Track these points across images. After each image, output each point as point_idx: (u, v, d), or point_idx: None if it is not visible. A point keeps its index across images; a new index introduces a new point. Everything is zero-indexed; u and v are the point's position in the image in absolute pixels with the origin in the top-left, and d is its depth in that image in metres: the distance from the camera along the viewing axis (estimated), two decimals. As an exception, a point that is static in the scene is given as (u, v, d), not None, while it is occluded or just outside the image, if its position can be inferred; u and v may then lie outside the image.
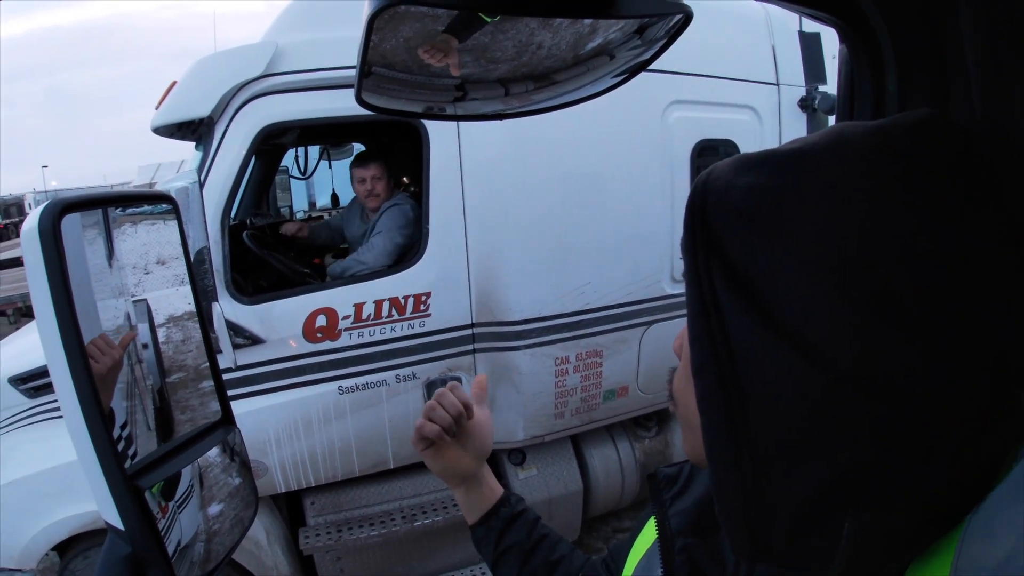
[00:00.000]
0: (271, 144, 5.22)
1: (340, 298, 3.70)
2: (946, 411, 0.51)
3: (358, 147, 6.60)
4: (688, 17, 0.77)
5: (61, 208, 0.81)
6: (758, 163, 0.59)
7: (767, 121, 4.66)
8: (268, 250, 4.31)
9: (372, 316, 3.72)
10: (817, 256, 0.53)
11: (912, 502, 0.53)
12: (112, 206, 0.97)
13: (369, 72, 0.78)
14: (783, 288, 0.54)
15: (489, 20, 0.73)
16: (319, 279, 4.09)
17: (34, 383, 3.64)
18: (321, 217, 6.84)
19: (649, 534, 0.92)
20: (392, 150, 4.57)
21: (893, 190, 0.53)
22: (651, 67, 0.90)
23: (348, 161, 6.69)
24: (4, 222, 34.60)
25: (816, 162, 0.57)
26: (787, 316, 0.54)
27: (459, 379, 3.92)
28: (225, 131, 3.54)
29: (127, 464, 0.85)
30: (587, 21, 0.78)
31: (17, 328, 7.61)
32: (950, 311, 0.51)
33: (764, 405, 0.55)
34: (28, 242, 0.79)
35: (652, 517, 0.92)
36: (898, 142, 0.56)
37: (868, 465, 0.52)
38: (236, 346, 3.50)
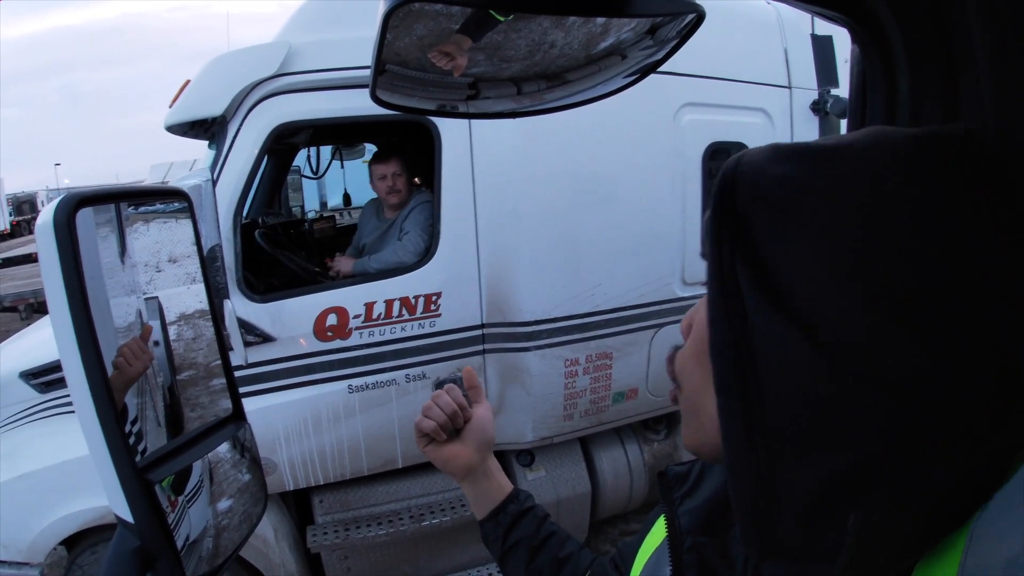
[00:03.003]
0: (284, 143, 5.23)
1: (351, 297, 3.70)
2: (953, 409, 0.52)
3: (370, 147, 6.62)
4: (700, 17, 0.77)
5: (76, 202, 0.81)
6: (795, 154, 0.59)
7: (779, 124, 4.64)
8: (280, 249, 4.32)
9: (383, 315, 3.73)
10: (844, 253, 0.53)
11: (919, 499, 0.53)
12: (127, 201, 0.97)
13: (383, 70, 0.78)
14: (805, 280, 0.54)
15: (502, 19, 0.73)
16: (330, 278, 4.09)
17: (45, 378, 3.67)
18: (332, 217, 6.84)
19: (658, 533, 0.92)
20: (404, 150, 4.57)
21: (932, 198, 0.54)
22: (664, 69, 0.90)
23: (359, 161, 6.71)
24: (16, 219, 34.76)
25: (855, 160, 0.57)
26: (805, 307, 0.54)
27: (467, 379, 3.91)
28: (238, 130, 3.56)
29: (137, 458, 0.85)
30: (599, 20, 0.78)
31: (28, 324, 7.65)
32: (968, 316, 0.52)
33: (778, 392, 0.55)
34: (43, 236, 0.79)
35: (661, 516, 0.91)
36: (941, 152, 0.56)
37: (875, 460, 0.52)
38: (247, 344, 3.51)
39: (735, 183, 0.59)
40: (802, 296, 0.54)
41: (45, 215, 0.80)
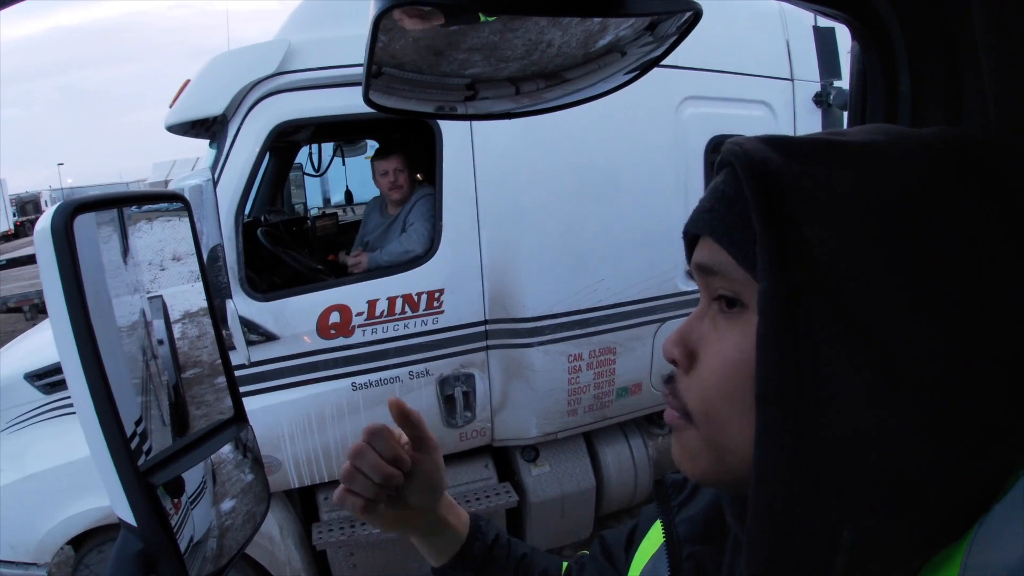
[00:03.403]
0: (285, 141, 5.24)
1: (354, 295, 3.71)
2: (971, 424, 0.52)
3: (372, 144, 6.62)
4: (697, 15, 0.76)
5: (73, 209, 0.81)
6: (821, 149, 0.56)
7: (782, 117, 4.63)
8: (282, 247, 4.32)
9: (385, 313, 3.73)
10: (916, 269, 0.52)
11: (918, 512, 0.52)
12: (124, 206, 0.97)
13: (379, 72, 0.78)
14: (879, 302, 0.52)
15: (483, 18, 0.72)
16: (333, 276, 4.09)
17: (50, 379, 3.67)
18: (335, 215, 6.86)
19: (654, 539, 0.90)
20: (405, 145, 4.58)
21: (980, 202, 0.53)
22: (665, 62, 0.90)
23: (362, 158, 6.72)
24: (20, 219, 34.80)
25: (894, 161, 0.55)
26: (881, 332, 0.51)
27: (472, 376, 3.93)
28: (239, 129, 3.56)
29: (141, 460, 0.85)
30: (597, 19, 0.77)
31: (34, 324, 7.67)
32: (999, 330, 0.52)
33: (838, 436, 0.52)
34: (41, 243, 0.79)
35: (657, 522, 0.90)
36: (976, 155, 0.56)
37: (892, 483, 0.52)
38: (250, 343, 3.52)
39: (777, 184, 0.54)
40: (877, 320, 0.51)
41: (43, 222, 0.80)
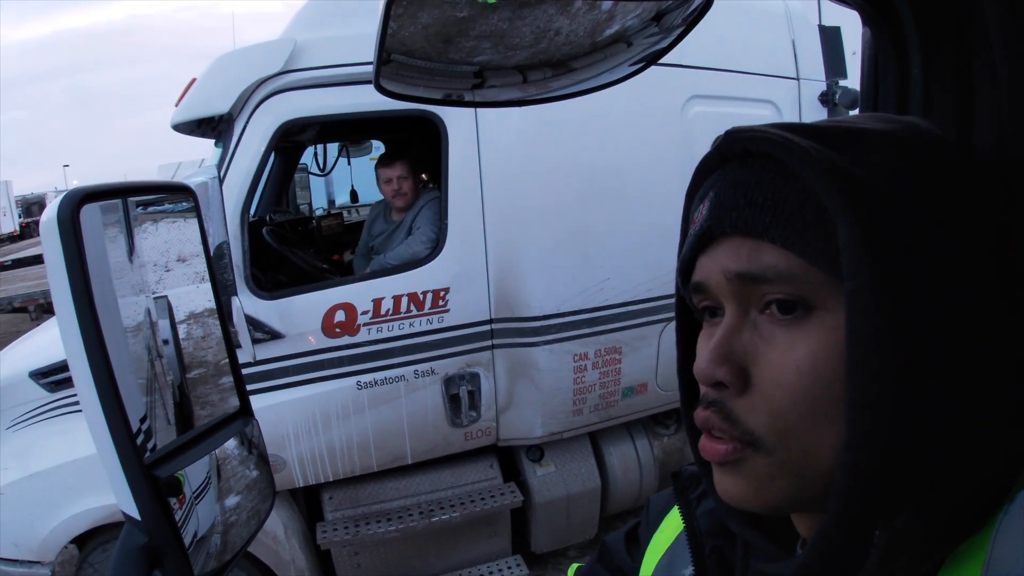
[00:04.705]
0: (290, 141, 5.24)
1: (359, 293, 3.71)
2: (1001, 409, 0.51)
3: (377, 144, 6.62)
4: (709, 1, 0.76)
5: (80, 198, 0.81)
6: (847, 136, 0.56)
7: (788, 116, 4.61)
8: (287, 246, 4.33)
9: (391, 311, 3.73)
10: (973, 254, 0.52)
11: (944, 503, 0.51)
12: (131, 196, 0.97)
13: (388, 59, 0.78)
14: (951, 290, 0.51)
15: (491, 1, 0.72)
16: (338, 275, 4.09)
17: (55, 377, 3.67)
18: (340, 215, 6.88)
19: (669, 531, 0.89)
20: (410, 148, 4.57)
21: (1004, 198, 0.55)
22: (670, 62, 0.90)
23: (367, 158, 6.73)
24: (26, 220, 34.75)
25: (916, 147, 0.56)
26: (958, 320, 0.50)
27: (477, 375, 3.93)
28: (244, 127, 3.56)
29: (146, 454, 0.85)
30: (605, 7, 0.77)
31: (39, 324, 7.69)
32: (1007, 315, 0.52)
33: (923, 443, 0.50)
34: (47, 232, 0.79)
35: (671, 512, 0.89)
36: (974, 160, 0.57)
37: (922, 477, 0.51)
38: (255, 341, 3.51)
39: (847, 174, 0.52)
40: (956, 308, 0.50)
41: (49, 211, 0.79)
